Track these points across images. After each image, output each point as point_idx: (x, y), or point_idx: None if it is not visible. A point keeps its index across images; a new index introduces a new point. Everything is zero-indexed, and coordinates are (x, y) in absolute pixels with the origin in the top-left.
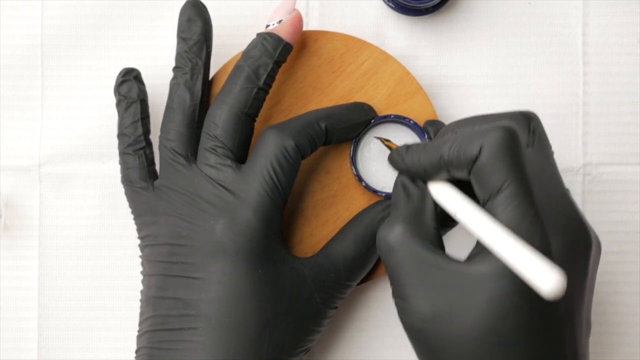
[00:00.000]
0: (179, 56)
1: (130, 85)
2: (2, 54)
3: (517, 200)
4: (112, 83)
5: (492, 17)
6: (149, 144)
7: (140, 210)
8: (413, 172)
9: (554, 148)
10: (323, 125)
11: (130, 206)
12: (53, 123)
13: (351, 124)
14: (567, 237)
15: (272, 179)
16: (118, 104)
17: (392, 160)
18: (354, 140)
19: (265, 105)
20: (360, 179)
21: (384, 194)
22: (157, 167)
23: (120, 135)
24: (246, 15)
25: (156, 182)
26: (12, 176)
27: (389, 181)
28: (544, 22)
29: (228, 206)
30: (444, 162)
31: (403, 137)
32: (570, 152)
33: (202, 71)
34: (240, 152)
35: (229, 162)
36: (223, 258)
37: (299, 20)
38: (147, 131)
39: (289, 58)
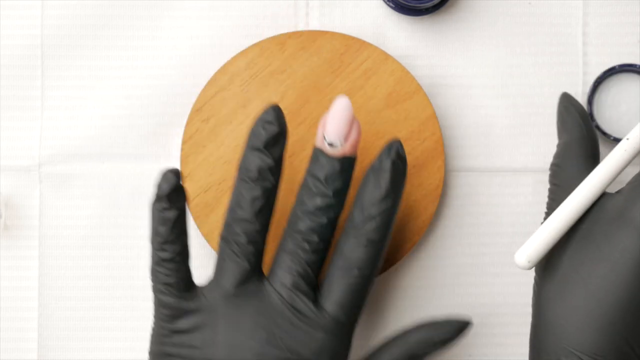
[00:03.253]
0: (262, 170)
1: (178, 193)
2: (2, 54)
3: None
4: (112, 83)
5: (492, 17)
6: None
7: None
8: None
9: (554, 148)
10: None
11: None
12: (53, 123)
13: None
14: None
15: None
16: (164, 212)
17: None
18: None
19: (265, 105)
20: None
21: None
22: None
23: (162, 243)
24: (246, 15)
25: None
26: (12, 176)
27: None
28: (544, 22)
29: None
30: None
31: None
32: None
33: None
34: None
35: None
36: None
37: (360, 132)
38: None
39: (288, 58)
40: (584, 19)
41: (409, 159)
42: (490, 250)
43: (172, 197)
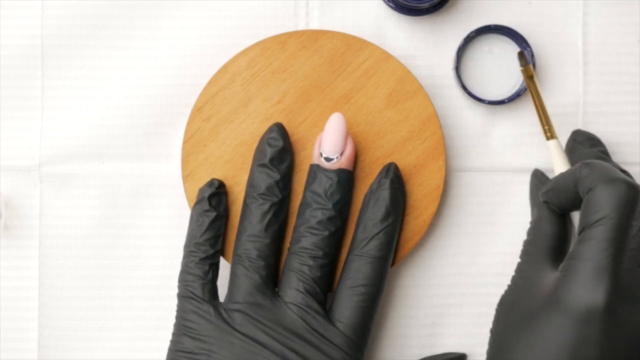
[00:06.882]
0: (270, 186)
1: (220, 198)
2: (2, 54)
3: None
4: (112, 83)
5: (492, 17)
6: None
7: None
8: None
9: None
10: None
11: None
12: (53, 123)
13: None
14: None
15: None
16: (203, 214)
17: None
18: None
19: (266, 104)
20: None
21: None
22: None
23: (197, 244)
24: (246, 15)
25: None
26: (12, 176)
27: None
28: (544, 22)
29: None
30: None
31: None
32: None
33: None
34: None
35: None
36: None
37: (355, 147)
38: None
39: (289, 57)
40: (584, 19)
41: (410, 159)
42: (490, 250)
43: (212, 200)
